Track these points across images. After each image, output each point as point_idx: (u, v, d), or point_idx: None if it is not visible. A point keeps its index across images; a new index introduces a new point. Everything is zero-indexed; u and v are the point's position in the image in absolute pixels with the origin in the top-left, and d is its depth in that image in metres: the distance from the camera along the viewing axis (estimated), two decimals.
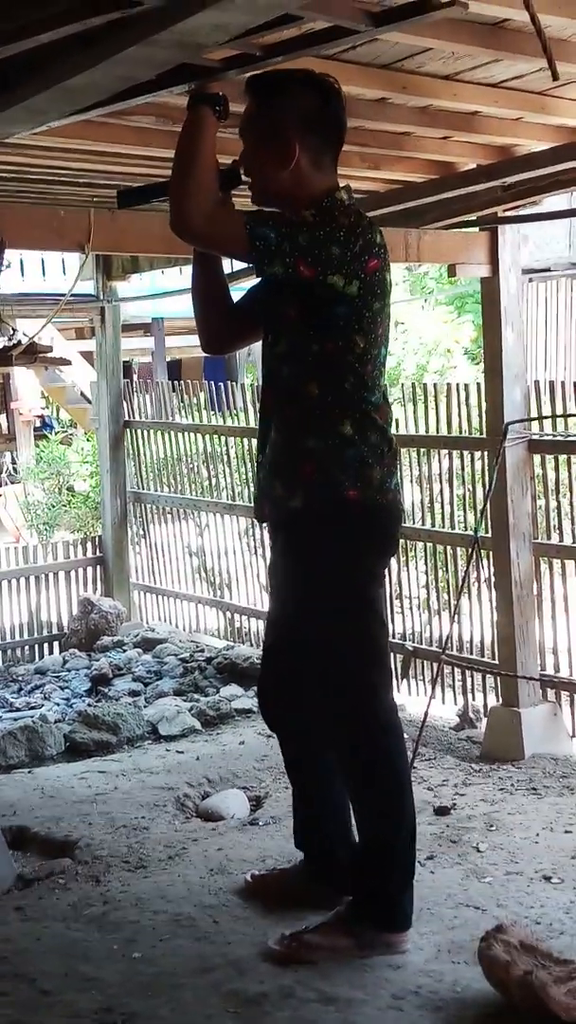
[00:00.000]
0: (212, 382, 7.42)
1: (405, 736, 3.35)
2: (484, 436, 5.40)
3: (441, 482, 5.89)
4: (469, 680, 5.80)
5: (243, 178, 3.16)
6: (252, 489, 6.88)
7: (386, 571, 3.36)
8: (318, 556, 3.16)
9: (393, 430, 3.25)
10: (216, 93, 2.92)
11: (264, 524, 3.52)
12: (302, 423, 3.12)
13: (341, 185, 3.16)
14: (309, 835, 3.54)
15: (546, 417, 5.27)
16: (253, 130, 3.09)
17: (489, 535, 5.31)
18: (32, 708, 6.12)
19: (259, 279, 3.25)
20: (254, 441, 6.80)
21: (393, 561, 3.39)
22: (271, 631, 3.49)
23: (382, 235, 3.11)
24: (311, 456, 3.10)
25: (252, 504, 6.79)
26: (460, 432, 5.78)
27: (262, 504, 3.30)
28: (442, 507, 5.88)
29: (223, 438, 7.20)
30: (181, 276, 11.12)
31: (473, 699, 5.75)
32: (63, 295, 6.29)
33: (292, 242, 2.92)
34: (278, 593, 3.39)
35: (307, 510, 3.13)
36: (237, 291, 3.48)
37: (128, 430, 7.75)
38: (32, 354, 7.01)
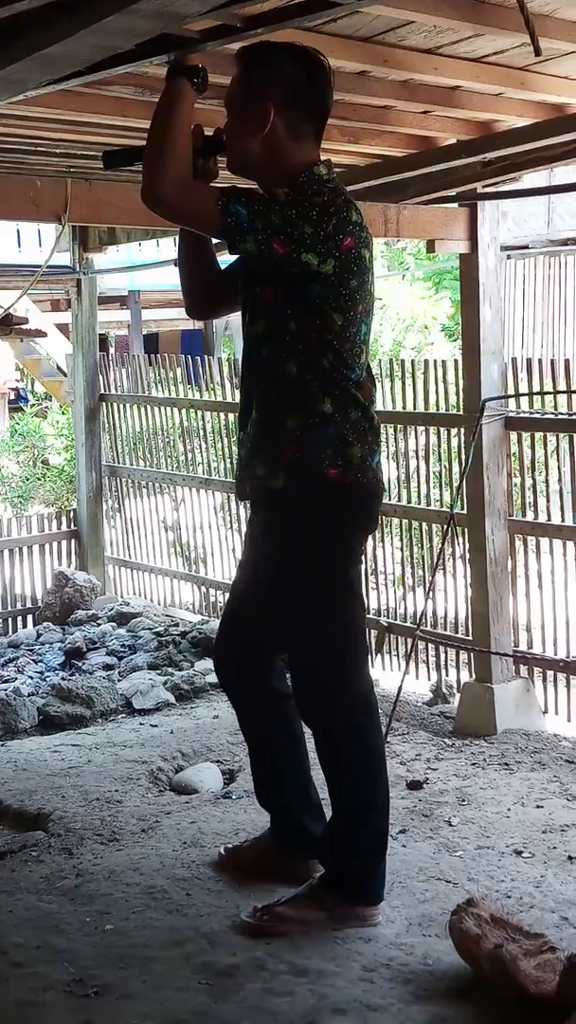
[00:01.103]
0: (189, 356, 7.40)
1: (379, 711, 3.36)
2: (461, 413, 5.41)
3: (417, 458, 5.90)
4: (443, 656, 5.83)
5: (222, 147, 3.14)
6: (228, 464, 6.93)
7: (363, 545, 3.35)
8: (299, 535, 3.16)
9: (383, 402, 3.24)
10: (195, 65, 2.89)
11: (245, 502, 3.52)
12: (281, 402, 3.11)
13: (324, 159, 3.14)
14: (268, 794, 3.56)
15: (523, 395, 5.28)
16: (235, 98, 3.08)
17: (465, 512, 5.33)
18: (6, 681, 6.11)
19: (234, 256, 3.23)
20: (231, 416, 6.90)
21: (369, 537, 3.38)
22: (237, 601, 3.48)
23: (359, 212, 3.08)
24: (291, 436, 3.09)
25: (228, 479, 6.89)
26: (437, 409, 5.78)
27: (243, 483, 3.29)
28: (418, 483, 5.89)
29: (199, 412, 7.18)
30: (158, 249, 11.09)
31: (447, 674, 5.78)
32: (39, 266, 6.24)
33: (264, 220, 2.90)
34: (253, 568, 3.39)
35: (288, 490, 3.13)
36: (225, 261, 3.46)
37: (104, 403, 7.72)
38: (7, 326, 6.99)
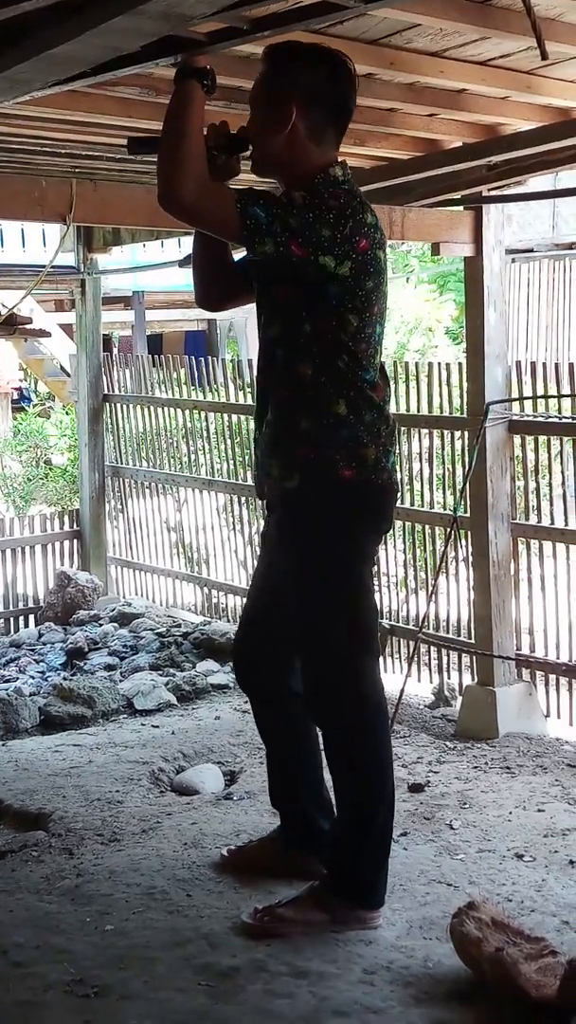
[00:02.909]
0: (193, 357, 7.40)
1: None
2: (465, 416, 5.41)
3: (421, 461, 5.90)
4: (445, 658, 5.83)
5: (246, 146, 3.14)
6: (231, 466, 6.93)
7: (377, 546, 3.36)
8: (312, 534, 3.17)
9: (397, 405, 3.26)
10: (204, 67, 2.89)
11: (263, 500, 3.53)
12: (296, 404, 3.12)
13: (341, 160, 3.14)
14: (284, 794, 3.57)
15: (527, 398, 5.28)
16: (259, 95, 3.09)
17: (468, 515, 5.32)
18: (7, 681, 6.11)
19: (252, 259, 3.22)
20: (234, 417, 6.90)
21: (382, 538, 3.39)
22: (256, 597, 3.50)
23: (374, 214, 3.09)
24: (306, 437, 3.11)
25: (231, 480, 6.89)
26: (440, 412, 5.78)
27: (260, 482, 3.33)
28: (421, 486, 5.89)
29: (203, 413, 7.18)
30: (163, 250, 11.09)
31: (449, 677, 5.78)
32: (43, 267, 6.26)
33: (283, 222, 2.91)
34: (268, 567, 3.41)
35: (302, 490, 3.14)
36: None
37: (107, 404, 7.72)
38: (11, 325, 6.98)
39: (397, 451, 3.29)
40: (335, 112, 3.09)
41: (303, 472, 3.13)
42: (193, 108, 2.90)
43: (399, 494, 3.31)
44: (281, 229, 2.90)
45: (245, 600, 3.72)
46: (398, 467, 3.35)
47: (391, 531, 6.01)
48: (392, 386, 3.47)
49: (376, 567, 5.95)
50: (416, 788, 4.35)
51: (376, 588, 6.01)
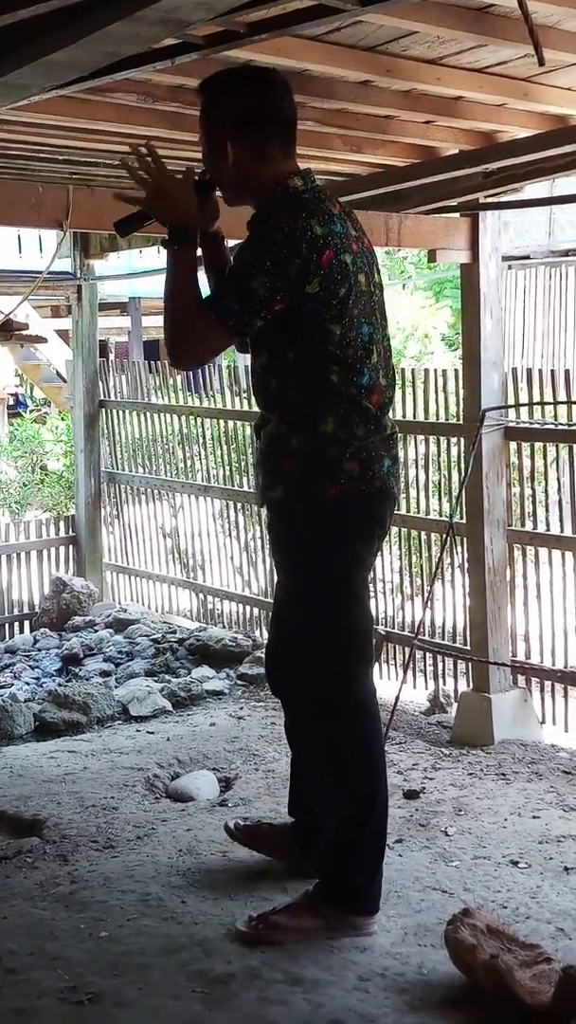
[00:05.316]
0: None
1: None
2: (461, 422, 5.41)
3: (417, 467, 5.91)
4: (440, 665, 5.83)
5: (213, 185, 3.21)
6: (227, 472, 6.94)
7: (372, 554, 3.34)
8: (300, 544, 3.20)
9: (394, 410, 3.30)
10: (182, 226, 3.07)
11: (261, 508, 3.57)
12: (288, 421, 3.14)
13: (301, 169, 3.15)
14: (299, 801, 3.56)
15: (523, 404, 5.28)
16: (202, 131, 3.16)
17: (464, 521, 5.32)
18: (2, 687, 6.11)
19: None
20: (230, 423, 6.91)
21: (379, 541, 3.38)
22: (275, 600, 3.52)
23: (327, 220, 3.03)
24: (293, 454, 3.13)
25: (227, 486, 6.90)
26: (437, 418, 5.78)
27: (256, 489, 3.38)
28: (418, 492, 5.89)
29: (199, 419, 7.18)
30: (159, 255, 11.10)
31: (444, 684, 5.78)
32: (40, 272, 6.26)
33: (252, 296, 2.95)
34: (276, 568, 3.45)
35: (287, 502, 3.17)
36: None
37: (103, 409, 7.72)
38: (7, 331, 6.98)
39: (398, 455, 3.28)
40: (271, 125, 3.10)
41: (287, 486, 3.15)
42: (180, 274, 3.07)
43: (397, 498, 3.30)
44: (258, 304, 2.96)
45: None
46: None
47: (387, 537, 6.05)
48: (396, 386, 3.47)
49: (372, 573, 5.98)
50: (411, 795, 4.35)
51: (372, 594, 6.03)
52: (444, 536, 5.36)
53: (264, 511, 3.41)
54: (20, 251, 11.99)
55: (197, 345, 3.07)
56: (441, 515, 5.78)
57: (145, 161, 3.11)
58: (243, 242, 3.08)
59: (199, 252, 3.21)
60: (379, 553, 3.77)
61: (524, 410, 5.30)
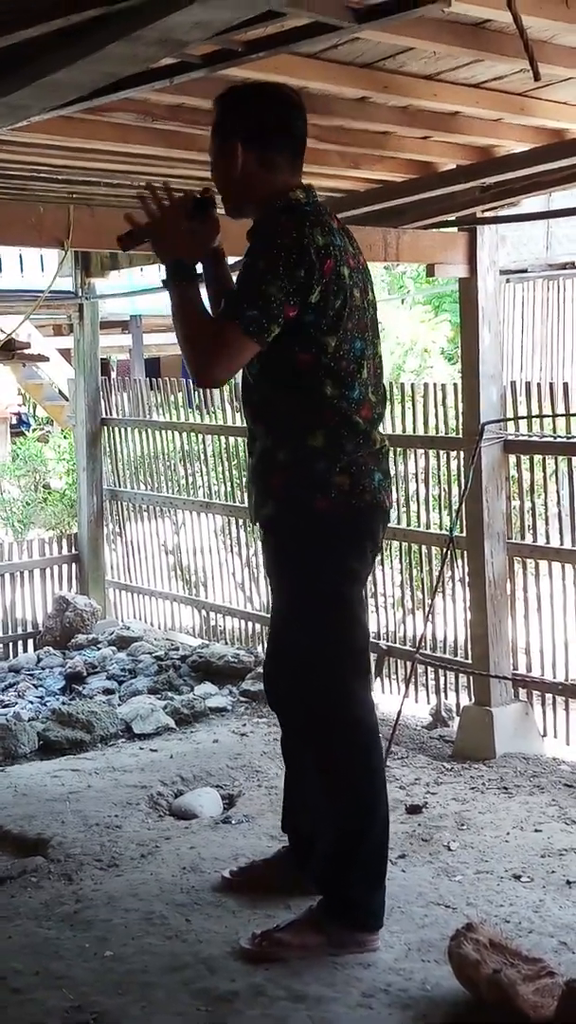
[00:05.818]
0: (190, 380, 7.40)
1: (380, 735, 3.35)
2: (460, 436, 5.42)
3: (417, 481, 5.91)
4: (442, 679, 5.82)
5: (212, 202, 3.26)
6: (229, 488, 6.94)
7: (366, 569, 3.34)
8: (291, 561, 3.22)
9: (384, 425, 3.30)
10: (179, 264, 3.12)
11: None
12: (276, 435, 3.17)
13: (303, 184, 3.18)
14: (295, 819, 3.56)
15: (522, 418, 5.29)
16: (213, 141, 3.19)
17: (464, 535, 5.33)
18: (6, 706, 6.10)
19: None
20: (231, 439, 6.92)
21: (371, 556, 3.39)
22: (271, 615, 3.53)
23: (328, 231, 3.08)
24: (281, 469, 3.15)
25: (228, 503, 6.90)
26: (436, 432, 5.79)
27: (249, 507, 3.37)
28: (418, 506, 5.90)
29: (200, 436, 7.19)
30: (160, 274, 11.12)
31: (446, 698, 5.77)
32: (41, 291, 6.27)
33: (268, 301, 2.95)
34: (270, 584, 3.46)
35: (278, 518, 3.20)
36: None
37: (105, 427, 7.73)
38: (9, 350, 6.99)
39: (389, 469, 3.29)
40: (282, 137, 3.14)
41: (277, 501, 3.18)
42: (186, 305, 3.09)
43: (388, 513, 3.30)
44: (276, 309, 2.96)
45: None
46: (394, 488, 3.39)
47: (385, 551, 6.06)
48: (388, 402, 3.48)
49: (371, 588, 5.98)
50: (414, 809, 4.34)
51: (372, 608, 6.03)
52: (444, 550, 5.36)
53: (257, 528, 3.42)
54: (22, 270, 12.01)
55: (222, 359, 3.03)
56: (441, 529, 5.78)
57: (157, 195, 3.16)
58: (248, 252, 3.08)
59: (199, 268, 3.24)
60: (373, 568, 3.77)
61: (523, 423, 5.31)
